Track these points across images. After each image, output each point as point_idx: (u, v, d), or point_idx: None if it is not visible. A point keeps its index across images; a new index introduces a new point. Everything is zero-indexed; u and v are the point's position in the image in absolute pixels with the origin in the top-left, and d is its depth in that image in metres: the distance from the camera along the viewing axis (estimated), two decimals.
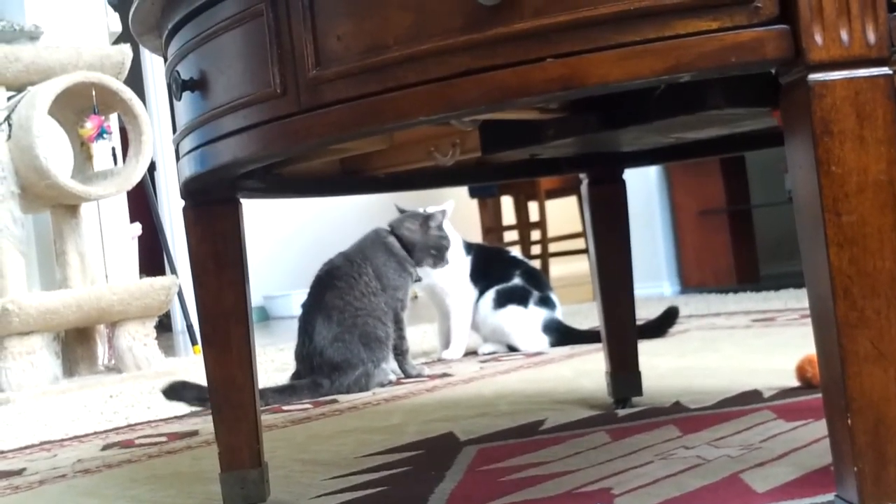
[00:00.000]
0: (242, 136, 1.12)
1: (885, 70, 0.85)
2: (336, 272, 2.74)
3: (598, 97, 1.36)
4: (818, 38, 0.84)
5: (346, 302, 2.67)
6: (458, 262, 3.28)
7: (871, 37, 0.85)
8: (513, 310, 3.22)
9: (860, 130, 0.84)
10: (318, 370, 2.62)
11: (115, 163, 3.97)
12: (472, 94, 0.93)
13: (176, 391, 2.53)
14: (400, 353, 2.79)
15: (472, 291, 3.27)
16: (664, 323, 3.14)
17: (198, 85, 1.20)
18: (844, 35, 0.84)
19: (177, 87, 1.22)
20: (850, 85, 0.84)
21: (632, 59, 0.87)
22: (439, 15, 0.94)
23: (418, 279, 2.94)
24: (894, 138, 0.85)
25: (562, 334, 3.24)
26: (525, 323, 3.22)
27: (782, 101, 0.90)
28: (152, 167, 5.97)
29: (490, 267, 3.32)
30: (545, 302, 3.27)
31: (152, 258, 5.84)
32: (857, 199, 0.85)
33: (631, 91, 1.27)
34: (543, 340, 3.23)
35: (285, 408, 2.44)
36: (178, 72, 1.24)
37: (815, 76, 0.85)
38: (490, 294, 3.25)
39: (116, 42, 4.03)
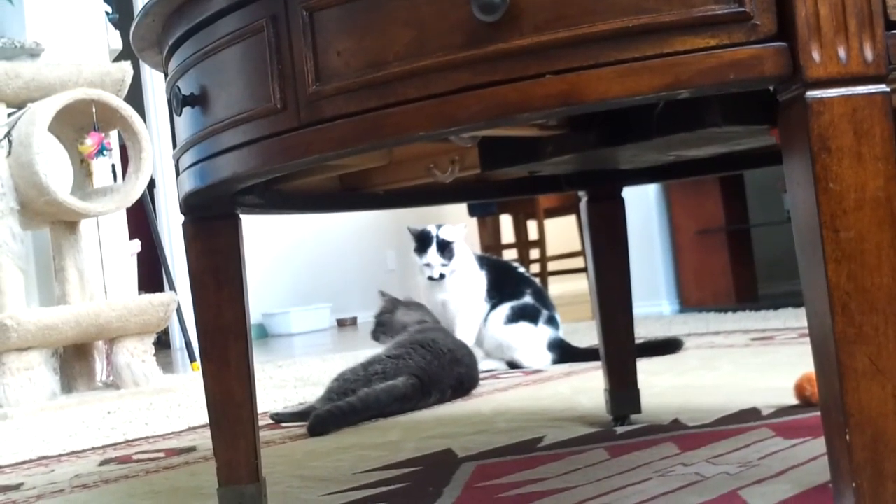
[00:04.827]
0: (242, 152, 1.13)
1: (883, 87, 0.85)
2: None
3: (597, 114, 1.37)
4: (816, 56, 0.85)
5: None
6: (473, 279, 3.29)
7: (869, 54, 0.85)
8: (524, 326, 3.26)
9: (858, 147, 0.85)
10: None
11: (115, 179, 3.98)
12: (473, 109, 0.93)
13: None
14: None
15: (484, 308, 3.29)
16: (665, 349, 3.15)
17: (198, 100, 1.20)
18: (842, 52, 0.85)
19: (177, 102, 1.23)
20: (847, 102, 0.85)
21: (630, 76, 0.88)
22: (440, 31, 0.94)
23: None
24: (892, 155, 0.85)
25: (563, 352, 3.28)
26: (533, 340, 3.26)
27: (780, 119, 0.90)
28: (152, 184, 5.98)
29: (502, 282, 3.34)
30: (551, 321, 3.31)
31: (151, 275, 5.85)
32: (854, 215, 0.85)
33: (630, 108, 1.27)
34: (547, 357, 3.26)
35: (284, 424, 2.43)
36: (178, 87, 1.25)
37: (812, 93, 0.85)
38: (503, 309, 3.28)
39: (117, 59, 4.03)
